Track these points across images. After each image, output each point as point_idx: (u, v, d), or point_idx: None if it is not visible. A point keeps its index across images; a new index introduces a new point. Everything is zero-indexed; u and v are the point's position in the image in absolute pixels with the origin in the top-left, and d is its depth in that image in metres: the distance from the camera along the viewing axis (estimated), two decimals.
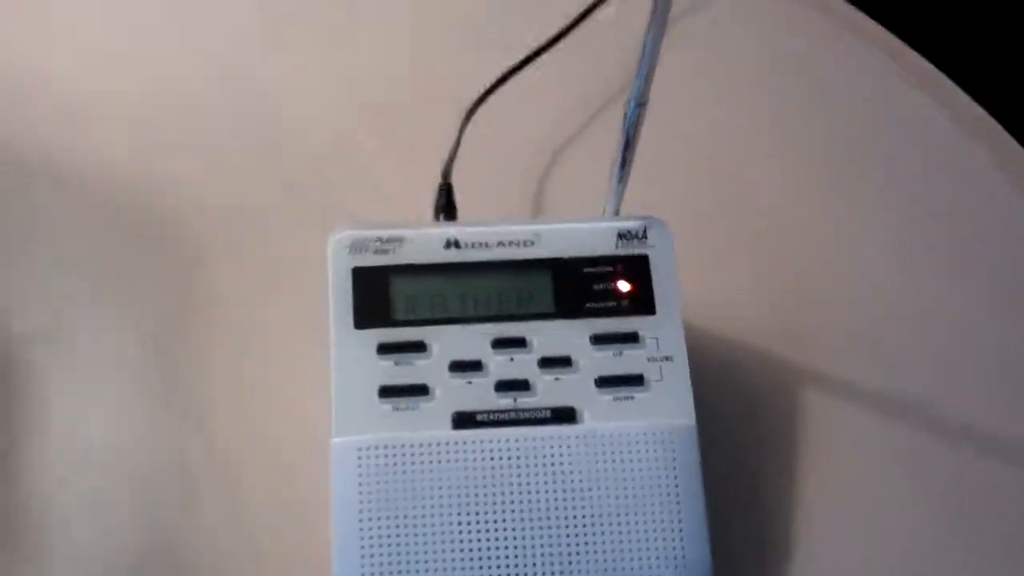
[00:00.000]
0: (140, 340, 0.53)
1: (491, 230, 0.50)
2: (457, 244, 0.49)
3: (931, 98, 0.63)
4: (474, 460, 0.46)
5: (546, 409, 0.47)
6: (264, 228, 0.56)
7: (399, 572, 0.45)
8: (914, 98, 0.63)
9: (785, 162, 0.61)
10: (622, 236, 0.50)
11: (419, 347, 0.48)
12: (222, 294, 0.55)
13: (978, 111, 0.63)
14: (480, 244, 0.49)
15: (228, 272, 0.55)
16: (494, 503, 0.46)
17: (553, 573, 0.45)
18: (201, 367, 0.52)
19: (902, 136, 0.62)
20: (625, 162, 0.49)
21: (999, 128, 0.63)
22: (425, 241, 0.49)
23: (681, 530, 0.46)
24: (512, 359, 0.48)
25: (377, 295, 0.48)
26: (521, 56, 0.59)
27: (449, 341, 0.48)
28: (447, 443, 0.46)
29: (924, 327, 0.56)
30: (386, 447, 0.46)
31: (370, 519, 0.45)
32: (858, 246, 0.58)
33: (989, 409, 0.53)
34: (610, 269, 0.50)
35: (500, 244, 0.49)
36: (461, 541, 0.45)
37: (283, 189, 0.58)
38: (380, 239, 0.49)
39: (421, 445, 0.46)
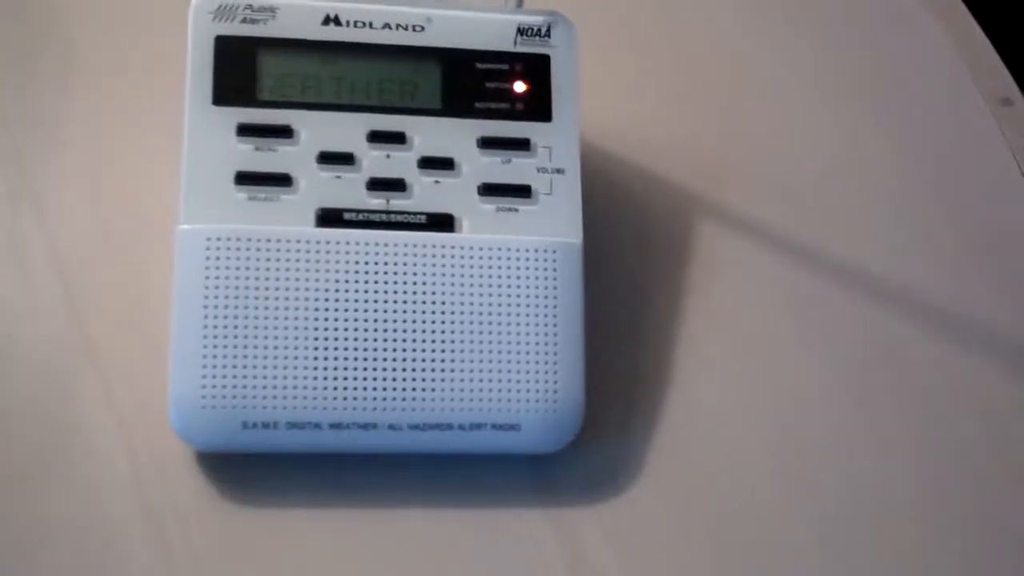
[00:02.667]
0: None
1: (377, 8, 0.44)
2: (337, 21, 0.44)
3: None
4: (336, 262, 0.42)
5: (422, 214, 0.43)
6: None
7: (242, 377, 0.40)
8: None
9: None
10: (523, 32, 0.45)
11: (285, 132, 0.42)
12: (76, 63, 0.48)
13: None
14: (363, 23, 0.44)
15: (84, 40, 0.49)
16: (354, 311, 0.41)
17: (412, 393, 0.41)
18: (43, 142, 0.46)
19: None
20: None
21: None
22: (301, 13, 0.43)
23: (555, 359, 0.42)
24: (389, 156, 0.43)
25: (241, 70, 0.43)
26: None
27: (319, 129, 0.43)
28: (308, 241, 0.42)
29: (835, 176, 0.52)
30: (238, 239, 0.41)
31: (215, 316, 0.40)
32: (780, 87, 0.54)
33: (888, 262, 0.51)
34: (506, 67, 0.45)
35: (386, 26, 0.44)
36: (314, 349, 0.41)
37: None
38: (250, 6, 0.43)
39: (279, 240, 0.41)
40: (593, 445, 0.44)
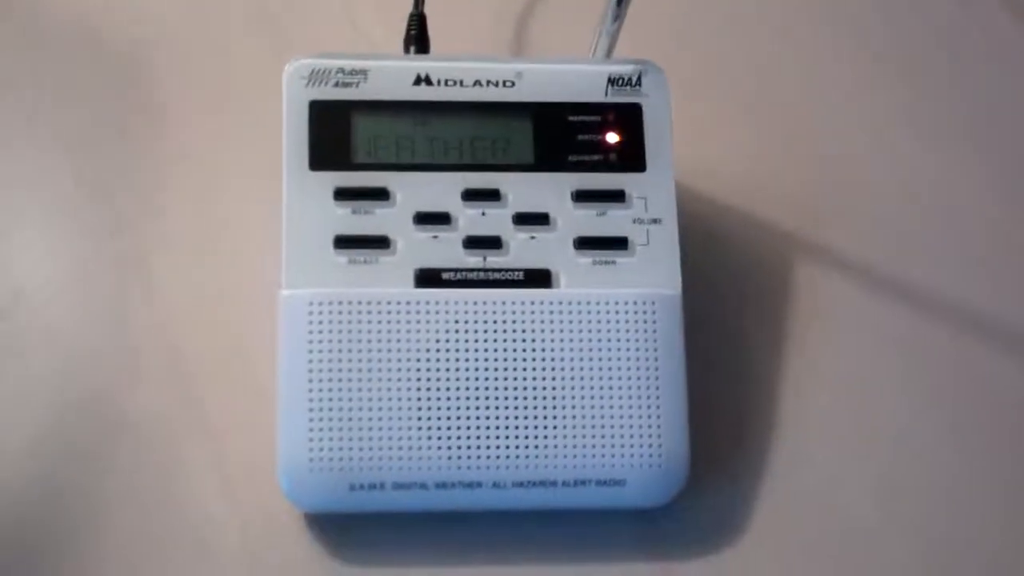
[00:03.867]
0: (80, 177, 0.48)
1: (467, 66, 0.44)
2: (428, 80, 0.44)
3: None
4: (436, 322, 0.42)
5: (519, 270, 0.43)
6: (224, 60, 0.51)
7: (348, 439, 0.41)
8: None
9: (796, 19, 0.55)
10: (613, 82, 0.45)
11: (381, 194, 0.43)
12: (173, 131, 0.49)
13: None
14: (454, 82, 0.44)
15: (182, 108, 0.50)
16: (456, 370, 0.42)
17: (516, 451, 0.41)
18: (144, 209, 0.47)
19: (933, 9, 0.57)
20: None
21: None
22: (393, 75, 0.44)
23: (659, 410, 0.42)
24: (484, 213, 0.43)
25: (336, 133, 0.43)
26: None
27: (415, 189, 0.43)
28: (408, 302, 0.42)
29: (931, 208, 0.51)
30: (340, 302, 0.42)
31: (320, 379, 0.41)
32: (876, 124, 0.53)
33: (994, 301, 0.49)
34: (598, 118, 0.44)
35: (476, 83, 0.44)
36: (418, 410, 0.41)
37: (247, 19, 0.52)
38: (342, 70, 0.44)
39: (379, 303, 0.42)
40: (700, 498, 0.43)
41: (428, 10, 0.49)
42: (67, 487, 0.42)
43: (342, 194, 0.43)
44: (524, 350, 0.42)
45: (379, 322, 0.42)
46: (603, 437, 0.42)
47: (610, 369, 0.42)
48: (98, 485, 0.42)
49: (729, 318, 0.48)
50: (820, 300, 0.48)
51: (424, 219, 0.43)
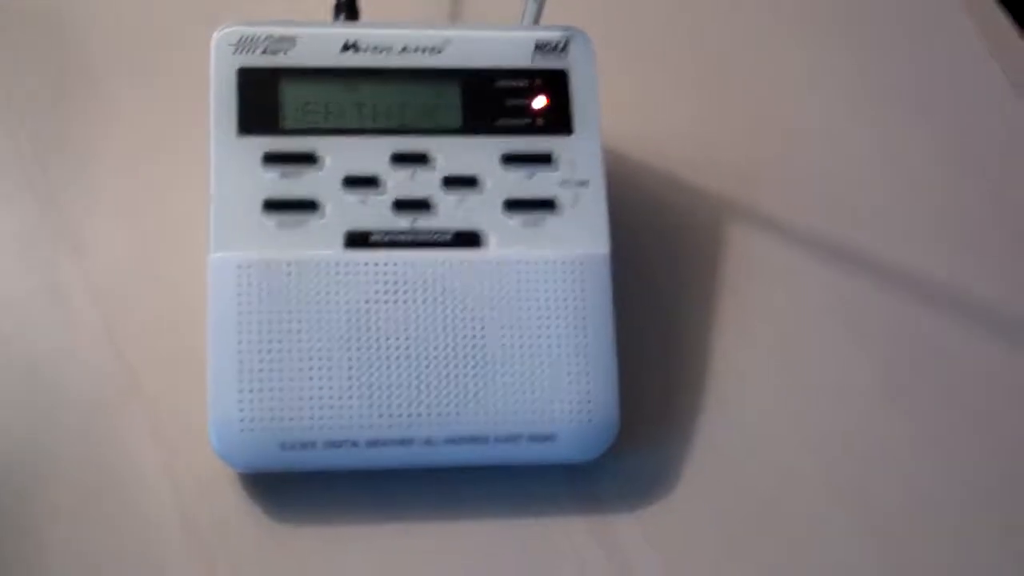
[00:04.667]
0: (11, 142, 0.48)
1: (395, 33, 0.45)
2: (356, 47, 0.45)
3: None
4: (366, 283, 0.42)
5: (448, 232, 0.43)
6: (155, 24, 0.51)
7: (279, 399, 0.41)
8: None
9: None
10: (540, 48, 0.46)
11: (309, 159, 0.43)
12: (104, 97, 0.49)
13: None
14: (382, 48, 0.45)
15: (113, 74, 0.50)
16: (386, 331, 0.42)
17: (446, 408, 0.42)
18: (76, 175, 0.47)
19: None
20: None
21: None
22: (321, 42, 0.44)
23: (588, 369, 0.43)
24: (413, 176, 0.44)
25: (264, 100, 0.43)
26: None
27: (343, 154, 0.43)
28: (337, 263, 0.42)
29: (871, 177, 0.52)
30: (269, 265, 0.42)
31: (250, 341, 0.41)
32: (809, 87, 0.54)
33: (928, 261, 0.50)
34: (525, 83, 0.45)
35: (404, 50, 0.45)
36: (348, 369, 0.41)
37: None
38: (271, 37, 0.44)
39: (308, 264, 0.42)
40: (631, 454, 0.44)
41: None
42: (6, 452, 0.42)
43: (271, 159, 0.43)
44: (454, 309, 0.43)
45: (309, 283, 0.42)
46: (533, 393, 0.42)
47: (539, 327, 0.43)
48: (38, 451, 0.42)
49: (662, 278, 0.48)
50: (753, 262, 0.49)
51: (353, 183, 0.43)
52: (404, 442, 0.42)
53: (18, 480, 0.42)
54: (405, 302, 0.42)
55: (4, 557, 0.41)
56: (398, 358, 0.42)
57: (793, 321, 0.48)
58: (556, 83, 0.45)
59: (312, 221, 0.43)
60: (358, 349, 0.42)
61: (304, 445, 0.41)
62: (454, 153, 0.44)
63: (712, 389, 0.46)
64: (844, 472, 0.45)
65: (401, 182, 0.44)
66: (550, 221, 0.44)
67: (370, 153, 0.44)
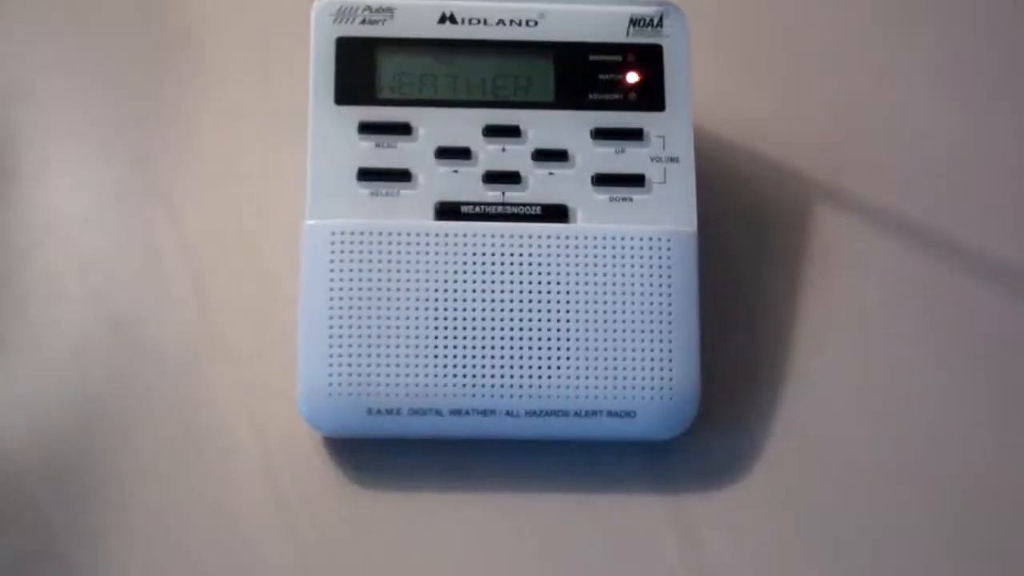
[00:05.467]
0: (114, 109, 0.49)
1: (491, 5, 0.45)
2: (453, 19, 0.45)
3: None
4: (455, 254, 0.43)
5: (536, 205, 0.44)
6: None
7: (366, 365, 0.42)
8: None
9: None
10: (635, 23, 0.45)
11: (404, 129, 0.44)
12: (205, 66, 0.50)
13: None
14: (478, 20, 0.45)
15: (213, 44, 0.51)
16: (472, 301, 0.43)
17: (529, 381, 0.42)
18: (173, 141, 0.49)
19: None
20: None
21: None
22: (418, 13, 0.45)
23: (670, 347, 0.43)
24: (504, 149, 0.44)
25: (362, 69, 0.44)
26: None
27: (437, 125, 0.44)
28: (427, 234, 0.43)
29: (957, 163, 0.51)
30: (362, 233, 0.43)
31: (340, 307, 0.42)
32: (899, 74, 0.53)
33: (1014, 248, 0.49)
34: (619, 58, 0.45)
35: (500, 22, 0.45)
36: (434, 338, 0.42)
37: None
38: (369, 7, 0.45)
39: (399, 234, 0.43)
40: (709, 434, 0.44)
41: None
42: (97, 407, 0.44)
43: (366, 128, 0.44)
44: (540, 283, 0.43)
45: (399, 253, 0.43)
46: (615, 369, 0.43)
47: (624, 303, 0.43)
48: (126, 407, 0.44)
49: (746, 258, 0.48)
50: (838, 245, 0.49)
51: (445, 154, 0.44)
52: (486, 413, 0.42)
53: (106, 436, 0.44)
54: (492, 274, 0.43)
55: (94, 512, 0.42)
56: (483, 329, 0.42)
57: (877, 307, 0.48)
58: (650, 58, 0.45)
59: (404, 191, 0.43)
60: (445, 319, 0.42)
61: (389, 411, 0.42)
62: (545, 126, 0.44)
63: (793, 373, 0.46)
64: (921, 464, 0.45)
65: (492, 154, 0.44)
66: (638, 197, 0.44)
67: (463, 125, 0.44)
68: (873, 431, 0.45)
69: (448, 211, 0.43)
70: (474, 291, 0.43)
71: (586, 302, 0.43)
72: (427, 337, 0.42)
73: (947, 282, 0.49)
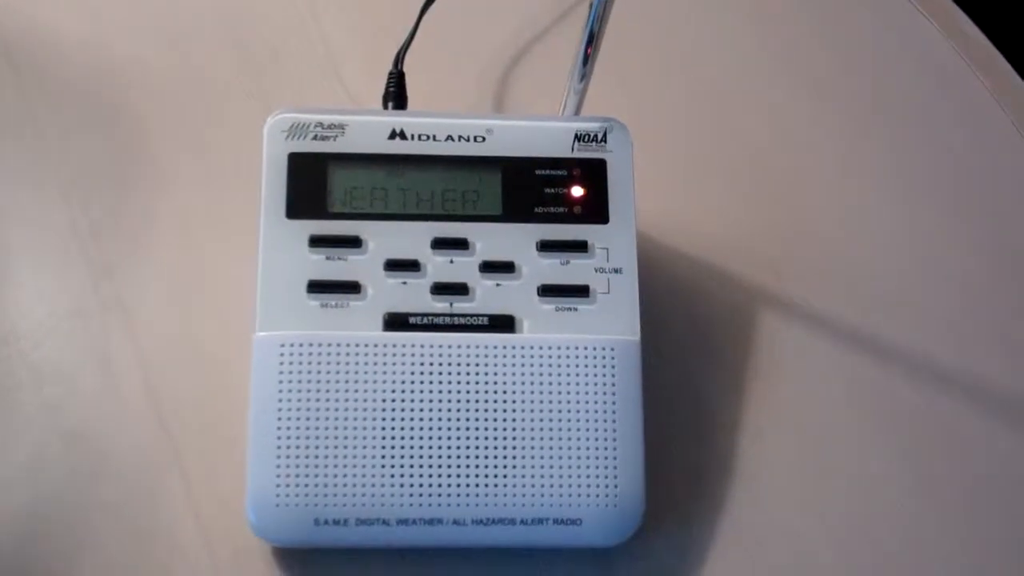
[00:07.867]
0: (73, 222, 0.50)
1: (440, 122, 0.46)
2: (403, 135, 0.46)
3: (936, 26, 0.60)
4: (403, 364, 0.44)
5: (484, 316, 0.45)
6: (211, 111, 0.53)
7: (315, 475, 0.42)
8: (918, 25, 0.60)
9: (773, 82, 0.57)
10: (579, 138, 0.47)
11: (354, 242, 0.45)
12: (161, 180, 0.52)
13: (983, 40, 0.60)
14: (427, 136, 0.46)
15: (170, 157, 0.52)
16: (420, 411, 0.43)
17: (476, 490, 0.43)
18: (131, 254, 0.50)
19: (900, 64, 0.58)
20: (587, 59, 0.45)
21: (1001, 59, 0.59)
22: (369, 129, 0.46)
23: (615, 455, 0.44)
24: (452, 261, 0.45)
25: (313, 184, 0.45)
26: None
27: (386, 238, 0.45)
28: (376, 344, 0.44)
29: (899, 267, 0.53)
30: (311, 344, 0.44)
31: (288, 419, 0.43)
32: (838, 176, 0.55)
33: (956, 352, 0.51)
34: (564, 173, 0.47)
35: (449, 138, 0.46)
36: (382, 448, 0.43)
37: (237, 73, 0.54)
38: (321, 124, 0.46)
39: (348, 345, 0.44)
40: (655, 538, 0.45)
41: (412, 70, 0.51)
42: (52, 516, 0.44)
43: (317, 241, 0.45)
44: (487, 392, 0.44)
45: (348, 363, 0.44)
46: (561, 477, 0.43)
47: (569, 412, 0.44)
48: (77, 521, 0.44)
49: (690, 366, 0.49)
50: (781, 350, 0.50)
51: (394, 266, 0.45)
52: (433, 522, 0.43)
53: (62, 545, 0.44)
54: (440, 384, 0.44)
55: None
56: (431, 439, 0.43)
57: (820, 408, 0.49)
58: (594, 173, 0.47)
59: (354, 303, 0.44)
60: (392, 429, 0.43)
61: (336, 522, 0.42)
62: (493, 239, 0.46)
63: (737, 475, 0.47)
64: (868, 560, 0.46)
65: (440, 266, 0.45)
66: (583, 307, 0.45)
67: (412, 238, 0.45)
68: (819, 528, 0.46)
69: (397, 322, 0.44)
70: (422, 401, 0.43)
71: (532, 411, 0.44)
72: (375, 447, 0.43)
73: (891, 384, 0.50)
